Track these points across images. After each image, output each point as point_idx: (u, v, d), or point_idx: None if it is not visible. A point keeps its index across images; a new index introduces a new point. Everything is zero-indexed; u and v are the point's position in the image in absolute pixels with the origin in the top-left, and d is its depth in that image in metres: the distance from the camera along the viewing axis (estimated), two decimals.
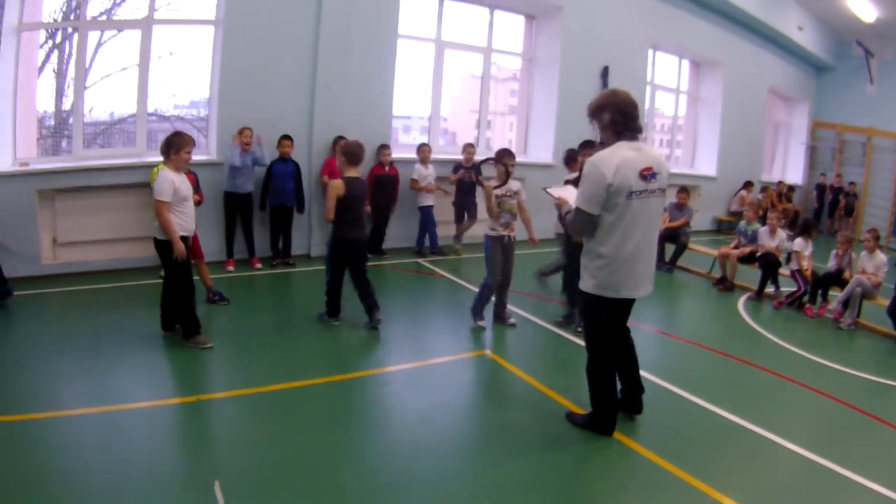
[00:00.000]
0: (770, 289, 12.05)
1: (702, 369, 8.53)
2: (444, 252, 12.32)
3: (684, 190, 14.62)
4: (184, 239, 7.13)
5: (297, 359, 7.33)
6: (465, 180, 12.27)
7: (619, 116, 5.61)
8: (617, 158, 5.49)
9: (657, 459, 5.72)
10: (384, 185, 11.62)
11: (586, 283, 5.88)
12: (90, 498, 4.48)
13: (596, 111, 5.73)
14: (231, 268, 10.15)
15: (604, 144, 6.03)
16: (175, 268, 7.16)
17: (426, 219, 12.24)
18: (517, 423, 6.27)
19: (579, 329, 8.38)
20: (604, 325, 6.07)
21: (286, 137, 10.38)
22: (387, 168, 11.60)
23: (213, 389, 6.41)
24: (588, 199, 5.57)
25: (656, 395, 7.21)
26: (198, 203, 8.23)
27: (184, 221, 7.19)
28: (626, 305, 6.09)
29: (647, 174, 5.56)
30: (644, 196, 5.57)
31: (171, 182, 6.99)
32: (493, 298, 8.73)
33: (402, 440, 5.75)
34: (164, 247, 7.10)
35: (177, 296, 7.31)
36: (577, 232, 5.95)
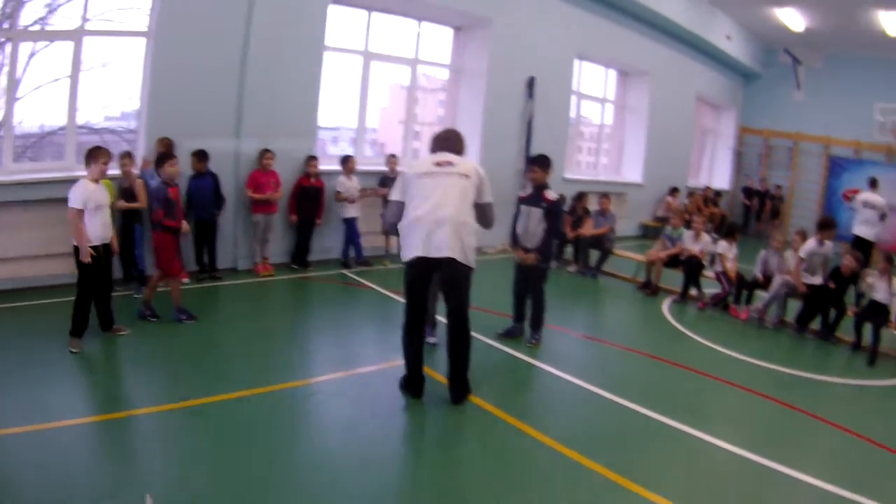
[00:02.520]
0: (693, 291, 12.74)
1: (628, 372, 8.92)
2: (370, 263, 12.66)
3: (606, 196, 15.21)
4: (95, 247, 7.57)
5: (224, 371, 7.46)
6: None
7: (436, 142, 7.13)
8: (419, 159, 7.11)
9: (588, 462, 6.00)
10: (310, 197, 11.91)
11: (401, 255, 6.85)
12: None
13: (430, 143, 7.25)
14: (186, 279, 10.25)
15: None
16: (83, 271, 7.57)
17: (350, 230, 12.53)
18: (443, 429, 6.66)
19: (530, 343, 9.00)
20: (410, 290, 6.90)
21: (196, 154, 10.46)
22: (313, 180, 11.89)
23: (141, 405, 6.43)
24: (394, 191, 6.94)
25: (584, 399, 7.68)
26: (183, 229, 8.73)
27: (96, 229, 7.61)
28: (443, 280, 6.86)
29: (443, 164, 6.75)
30: (435, 175, 6.68)
31: (85, 191, 7.49)
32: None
33: (330, 450, 5.95)
34: (77, 252, 7.56)
35: (80, 296, 7.67)
36: (389, 219, 7.04)
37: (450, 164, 6.72)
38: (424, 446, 6.49)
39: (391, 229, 7.25)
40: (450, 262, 6.63)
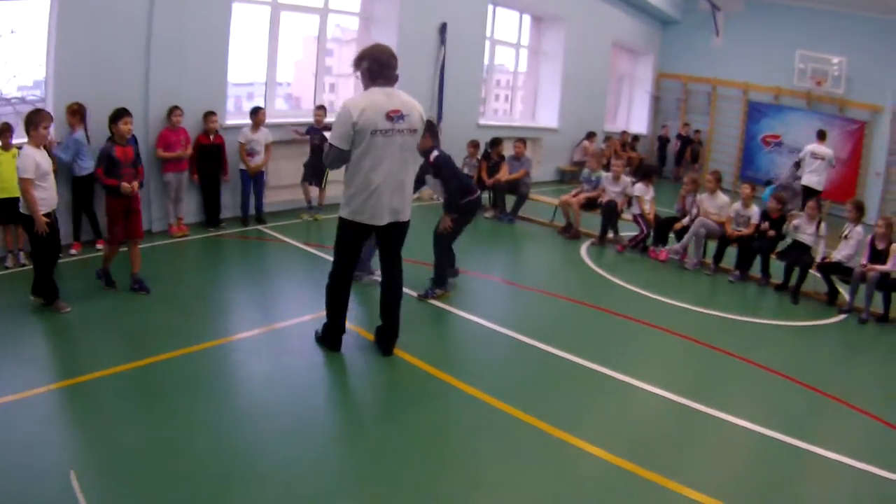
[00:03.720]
0: (610, 234, 13.27)
1: (549, 317, 9.26)
2: (262, 220, 12.64)
3: (521, 141, 15.63)
4: (48, 215, 7.69)
5: (141, 336, 7.49)
6: (315, 143, 12.71)
7: (374, 65, 6.69)
8: (365, 101, 6.56)
9: (512, 410, 6.26)
10: (210, 154, 11.80)
11: (343, 210, 6.90)
12: None
13: (357, 60, 6.84)
14: (76, 250, 10.14)
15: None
16: (38, 240, 7.69)
17: (255, 184, 12.54)
18: (360, 380, 6.94)
19: (421, 295, 9.31)
20: (349, 247, 7.06)
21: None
22: (212, 136, 11.80)
23: (58, 377, 6.41)
24: (339, 136, 6.60)
25: (506, 345, 7.98)
26: (138, 182, 8.64)
27: (46, 196, 7.72)
28: (386, 235, 7.11)
29: (395, 116, 6.62)
30: (390, 134, 6.62)
31: (33, 159, 7.50)
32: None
33: (251, 408, 6.14)
34: (28, 221, 7.67)
35: (39, 264, 7.86)
36: (330, 165, 6.94)
37: (400, 116, 6.65)
38: (349, 400, 6.70)
39: (332, 168, 7.33)
40: (401, 223, 7.06)
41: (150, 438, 5.43)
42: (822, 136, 17.81)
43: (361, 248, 7.24)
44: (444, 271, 9.54)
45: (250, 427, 5.76)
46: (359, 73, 6.87)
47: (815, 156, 17.33)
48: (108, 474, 4.95)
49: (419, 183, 9.20)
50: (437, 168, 9.22)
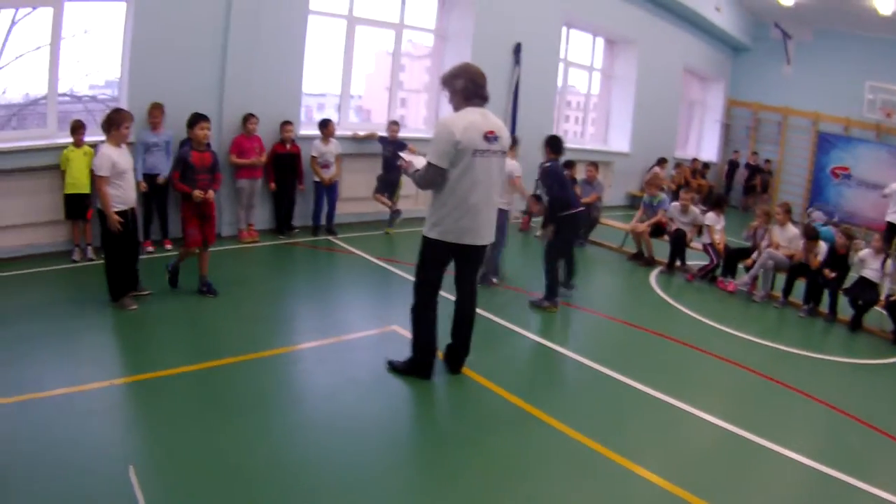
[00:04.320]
0: (678, 263, 12.94)
1: (616, 342, 9.10)
2: (332, 231, 12.56)
3: (593, 164, 15.35)
4: (123, 213, 7.74)
5: (207, 340, 7.58)
6: (386, 156, 12.68)
7: (470, 84, 6.53)
8: (465, 121, 6.37)
9: (579, 436, 6.09)
10: (286, 163, 11.83)
11: (431, 231, 6.65)
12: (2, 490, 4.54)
13: (451, 79, 6.62)
14: (150, 248, 10.22)
15: None
16: (111, 237, 7.75)
17: (325, 196, 12.50)
18: (423, 396, 6.71)
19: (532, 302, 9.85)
20: (434, 269, 6.83)
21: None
22: (288, 146, 11.81)
23: (127, 373, 6.45)
24: (439, 154, 6.37)
25: (573, 370, 7.85)
26: (212, 188, 8.57)
27: (122, 194, 7.76)
28: (468, 256, 6.82)
29: (490, 136, 6.44)
30: (487, 155, 6.45)
31: (110, 157, 7.56)
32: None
33: (314, 417, 6.05)
34: (103, 217, 7.74)
35: (110, 261, 7.89)
36: (426, 185, 6.66)
37: (495, 137, 6.50)
38: (415, 417, 6.52)
39: (424, 188, 7.14)
40: (485, 245, 6.91)
41: (211, 441, 5.40)
42: None
43: (444, 268, 6.91)
44: (554, 286, 9.76)
45: (313, 438, 5.68)
46: (449, 92, 6.68)
47: None
48: (167, 473, 4.93)
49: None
50: (545, 175, 9.77)
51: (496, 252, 10.42)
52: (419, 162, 6.69)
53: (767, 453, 6.25)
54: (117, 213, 7.66)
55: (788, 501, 5.75)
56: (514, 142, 9.96)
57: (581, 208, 10.30)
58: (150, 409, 5.88)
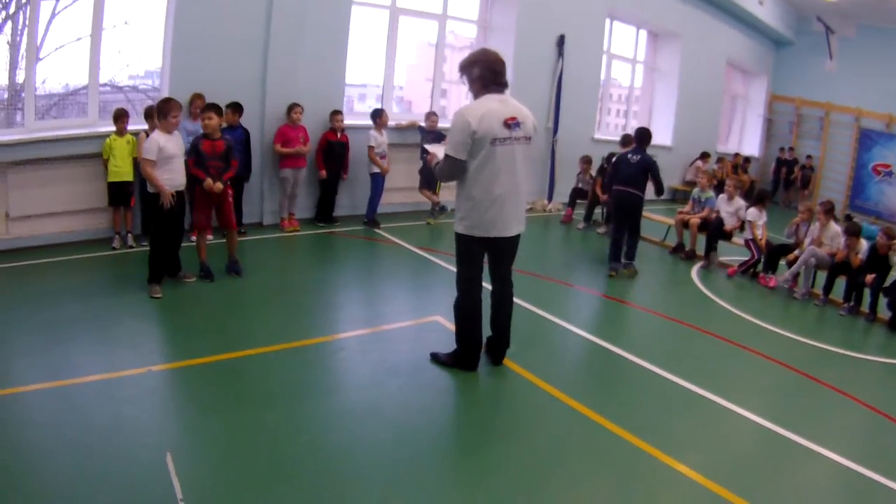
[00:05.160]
0: (713, 254, 12.77)
1: (656, 337, 8.95)
2: (377, 223, 12.42)
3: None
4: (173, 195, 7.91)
5: (249, 327, 7.49)
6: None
7: (487, 72, 6.31)
8: (482, 109, 6.18)
9: (613, 427, 6.03)
10: (335, 152, 11.74)
11: (459, 225, 6.51)
12: (37, 475, 4.54)
13: (467, 66, 6.42)
14: (194, 237, 9.92)
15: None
16: (157, 220, 7.97)
17: (377, 187, 12.41)
18: (465, 387, 6.61)
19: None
20: (472, 264, 6.66)
21: (230, 106, 10.39)
22: (339, 135, 11.73)
23: (165, 360, 6.45)
24: (455, 145, 6.22)
25: (614, 364, 7.70)
26: (224, 176, 8.63)
27: (171, 177, 7.93)
28: (499, 248, 6.68)
29: (511, 123, 6.24)
30: (508, 143, 6.25)
31: (157, 142, 7.76)
32: None
33: (352, 407, 5.97)
34: (151, 200, 7.98)
35: (154, 244, 8.05)
36: (446, 177, 6.55)
37: (517, 123, 6.30)
38: (456, 408, 6.43)
39: (429, 186, 6.92)
40: (516, 235, 6.73)
41: (248, 428, 5.37)
42: None
43: (481, 260, 6.75)
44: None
45: (353, 427, 5.61)
46: (467, 80, 6.51)
47: None
48: (203, 460, 4.92)
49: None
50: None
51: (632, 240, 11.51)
52: (442, 153, 6.58)
53: (807, 453, 6.16)
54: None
55: (826, 501, 5.62)
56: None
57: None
58: (189, 396, 5.91)
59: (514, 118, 6.28)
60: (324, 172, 11.65)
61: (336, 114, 11.69)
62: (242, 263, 9.00)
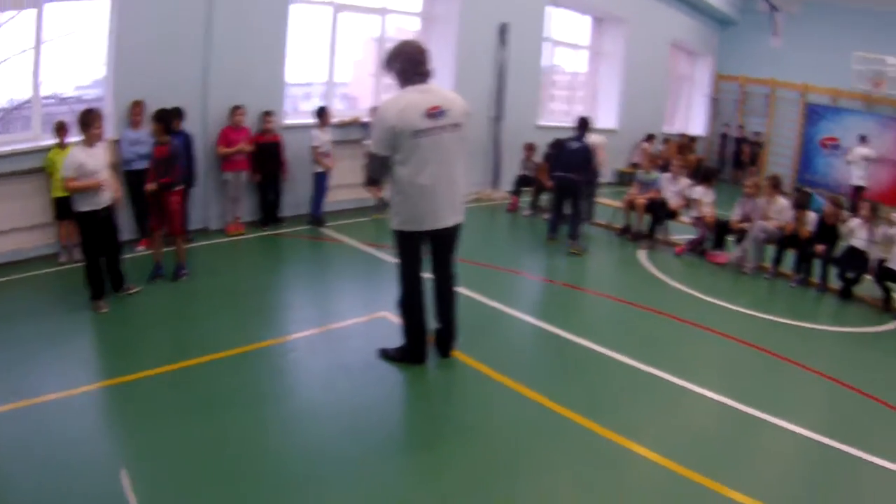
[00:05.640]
0: (660, 234, 13.22)
1: (607, 319, 9.25)
2: (323, 222, 12.44)
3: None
4: (92, 214, 7.82)
5: (199, 334, 7.53)
6: None
7: (408, 64, 6.38)
8: (402, 102, 6.24)
9: (571, 415, 6.15)
10: (267, 153, 11.71)
11: (394, 221, 6.62)
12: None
13: (389, 61, 6.51)
14: (142, 247, 10.10)
15: None
16: (84, 236, 7.93)
17: (320, 185, 12.41)
18: (415, 381, 6.77)
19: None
20: (411, 258, 6.75)
21: (173, 112, 10.09)
22: (269, 136, 11.79)
23: (117, 374, 6.38)
24: (377, 142, 6.35)
25: (566, 348, 7.84)
26: (162, 180, 8.64)
27: (91, 195, 7.80)
28: (437, 240, 6.75)
29: (434, 112, 6.25)
30: (434, 133, 6.27)
31: (76, 158, 7.63)
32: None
33: (306, 408, 6.11)
34: (81, 219, 7.90)
35: (86, 262, 7.96)
36: (373, 174, 6.68)
37: (440, 112, 6.28)
38: (408, 402, 6.58)
39: (374, 182, 7.10)
40: (455, 226, 6.75)
41: (203, 436, 5.41)
42: (865, 139, 20.62)
43: (420, 254, 6.79)
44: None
45: (308, 428, 5.71)
46: (391, 76, 6.57)
47: (865, 159, 19.74)
48: (159, 475, 4.92)
49: None
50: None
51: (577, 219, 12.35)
52: None
53: (766, 426, 6.35)
54: (87, 212, 7.79)
55: (791, 474, 5.82)
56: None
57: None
58: (143, 408, 5.86)
59: (436, 107, 6.29)
60: (256, 176, 11.72)
61: (266, 115, 11.71)
62: (189, 269, 9.07)
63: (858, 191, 19.29)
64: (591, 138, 12.73)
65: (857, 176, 20.45)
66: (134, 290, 8.43)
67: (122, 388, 6.15)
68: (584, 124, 12.68)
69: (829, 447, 6.05)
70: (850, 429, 6.47)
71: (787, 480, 5.68)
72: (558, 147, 13.11)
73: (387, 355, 7.06)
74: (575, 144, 12.39)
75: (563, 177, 12.35)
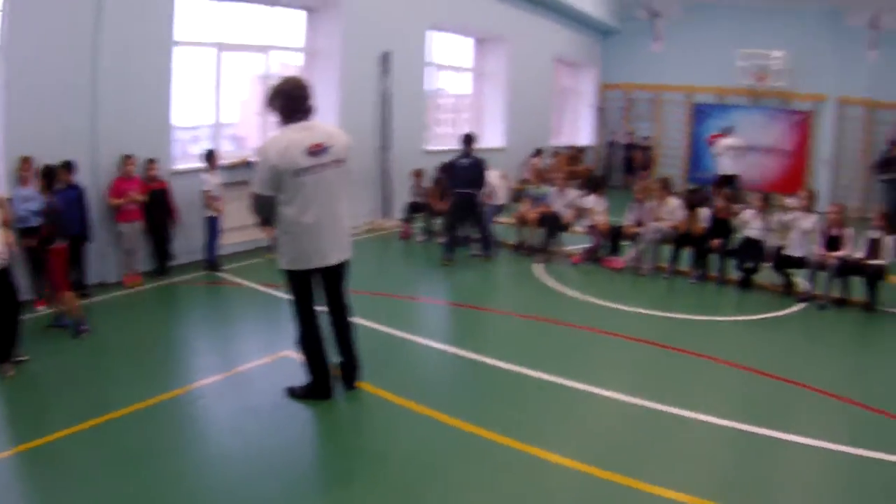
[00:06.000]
0: (555, 248, 13.87)
1: (509, 335, 9.65)
2: (219, 266, 12.58)
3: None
4: None
5: (99, 393, 7.34)
6: None
7: (288, 101, 6.54)
8: (284, 141, 6.42)
9: (482, 432, 6.46)
10: (154, 201, 11.74)
11: (282, 261, 6.83)
12: None
13: (270, 100, 6.68)
14: (40, 307, 9.96)
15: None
16: None
17: (212, 229, 12.51)
18: (324, 416, 6.96)
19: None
20: (304, 296, 6.93)
21: (62, 166, 10.18)
22: (154, 183, 11.75)
23: (14, 441, 6.21)
24: (260, 182, 6.50)
25: (469, 368, 8.23)
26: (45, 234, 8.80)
27: None
28: (328, 276, 7.00)
29: (317, 150, 6.45)
30: (316, 171, 6.47)
31: None
32: None
33: (217, 455, 6.17)
34: None
35: None
36: (258, 214, 6.89)
37: (322, 149, 6.46)
38: (320, 437, 6.77)
39: (265, 223, 7.22)
40: (343, 261, 7.00)
41: (123, 496, 5.37)
42: (730, 130, 22.42)
43: (313, 291, 6.96)
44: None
45: (221, 475, 5.79)
46: (274, 112, 6.68)
47: (730, 148, 21.75)
48: None
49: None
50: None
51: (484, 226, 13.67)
52: None
53: (682, 421, 6.77)
54: None
55: (713, 464, 6.20)
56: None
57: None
58: (58, 472, 5.75)
59: (319, 144, 6.47)
60: (146, 225, 11.65)
61: (150, 162, 11.64)
62: (90, 325, 9.01)
63: (727, 180, 20.50)
64: (491, 176, 14.12)
65: (724, 166, 21.91)
66: (21, 359, 7.99)
67: (36, 451, 6.01)
68: (469, 140, 13.67)
69: (746, 432, 6.54)
70: (765, 412, 7.02)
71: (709, 469, 6.07)
72: (449, 167, 14.01)
73: (294, 393, 7.20)
74: (465, 161, 13.34)
75: (461, 193, 13.33)
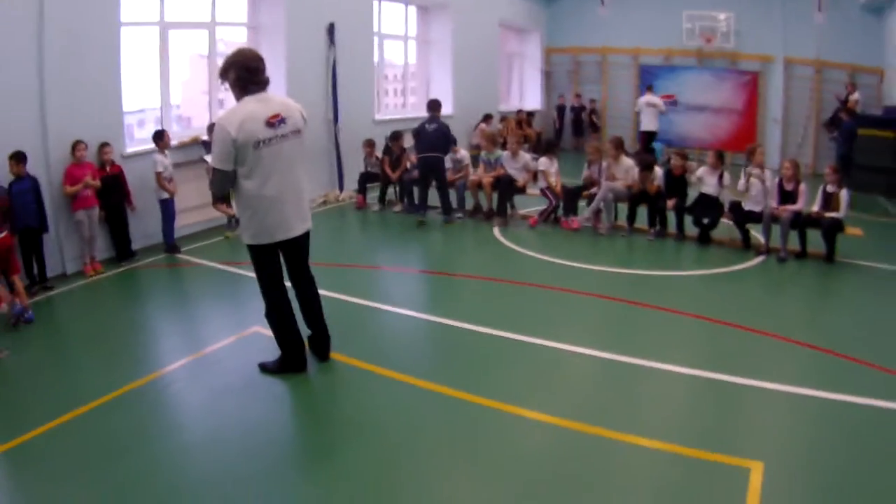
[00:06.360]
0: (511, 210, 14.39)
1: (473, 298, 9.94)
2: (177, 248, 12.67)
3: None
4: None
5: (72, 385, 7.31)
6: None
7: (243, 73, 6.55)
8: (241, 114, 6.44)
9: (454, 392, 6.70)
10: (109, 186, 11.71)
11: (245, 236, 6.93)
12: None
13: (224, 72, 6.69)
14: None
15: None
16: None
17: (167, 211, 12.58)
18: (299, 389, 7.08)
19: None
20: (271, 270, 7.04)
21: (12, 157, 10.15)
22: (108, 168, 11.73)
23: (3, 439, 6.11)
24: (219, 157, 6.50)
25: (439, 332, 8.51)
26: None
27: None
28: (289, 249, 7.10)
29: (275, 121, 6.52)
30: (275, 142, 6.55)
31: None
32: None
33: (197, 437, 6.20)
34: None
35: None
36: (218, 190, 7.05)
37: (281, 120, 6.53)
38: (296, 411, 6.89)
39: (220, 199, 7.18)
40: (305, 233, 7.13)
41: (105, 490, 5.37)
42: (651, 88, 23.14)
43: (279, 264, 7.09)
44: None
45: (203, 457, 5.84)
46: (227, 85, 6.70)
47: (649, 105, 22.39)
48: None
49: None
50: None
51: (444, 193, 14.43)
52: None
53: (649, 372, 7.09)
54: None
55: (682, 411, 6.53)
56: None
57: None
58: (36, 471, 5.68)
59: (277, 115, 6.52)
60: (102, 213, 11.63)
61: (103, 146, 11.72)
62: (34, 315, 9.14)
63: (647, 136, 22.27)
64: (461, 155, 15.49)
65: (645, 122, 22.83)
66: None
67: (13, 452, 5.96)
68: (435, 106, 14.88)
69: (713, 380, 6.88)
70: (731, 360, 7.35)
71: (679, 417, 6.39)
72: (416, 132, 14.71)
73: (267, 369, 7.33)
74: (432, 126, 14.29)
75: (427, 156, 14.38)
